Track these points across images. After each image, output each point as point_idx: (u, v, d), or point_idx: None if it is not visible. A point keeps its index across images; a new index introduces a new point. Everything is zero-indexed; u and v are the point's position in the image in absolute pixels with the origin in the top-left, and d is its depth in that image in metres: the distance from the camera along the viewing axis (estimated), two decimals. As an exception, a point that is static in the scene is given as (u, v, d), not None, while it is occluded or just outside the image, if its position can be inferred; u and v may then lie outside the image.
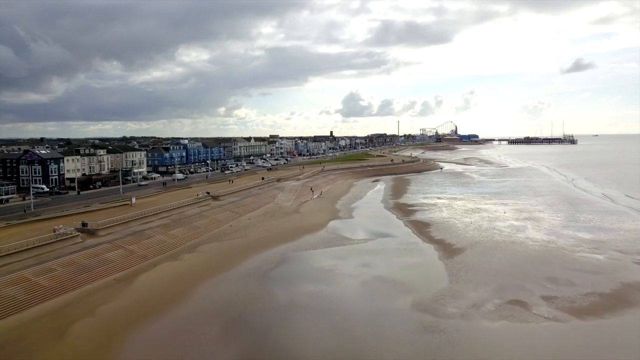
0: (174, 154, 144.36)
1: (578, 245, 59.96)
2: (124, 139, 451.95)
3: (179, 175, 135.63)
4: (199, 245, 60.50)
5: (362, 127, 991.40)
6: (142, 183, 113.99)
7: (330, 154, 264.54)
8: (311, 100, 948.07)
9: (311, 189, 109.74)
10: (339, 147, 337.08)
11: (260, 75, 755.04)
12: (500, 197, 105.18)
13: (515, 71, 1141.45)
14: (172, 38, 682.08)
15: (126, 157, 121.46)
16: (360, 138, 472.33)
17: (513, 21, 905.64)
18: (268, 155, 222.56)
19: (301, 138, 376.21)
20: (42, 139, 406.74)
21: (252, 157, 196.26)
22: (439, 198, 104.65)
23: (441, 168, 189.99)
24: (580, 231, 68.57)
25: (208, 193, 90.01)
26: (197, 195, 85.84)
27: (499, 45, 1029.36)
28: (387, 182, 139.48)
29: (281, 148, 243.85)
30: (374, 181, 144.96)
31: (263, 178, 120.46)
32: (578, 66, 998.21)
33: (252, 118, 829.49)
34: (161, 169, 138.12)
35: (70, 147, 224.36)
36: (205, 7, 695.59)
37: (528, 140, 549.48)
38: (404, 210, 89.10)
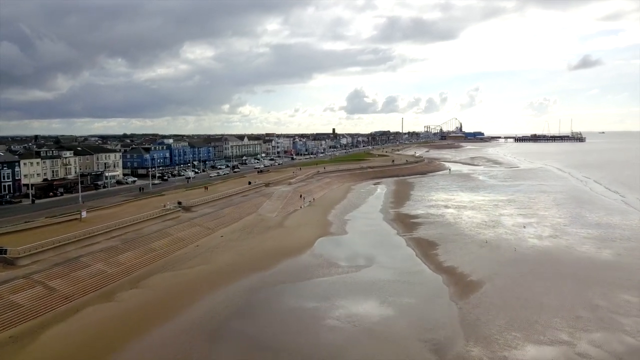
0: (155, 154, 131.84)
1: (625, 280, 47.41)
2: (125, 135, 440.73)
3: (190, 174, 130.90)
4: (148, 277, 48.30)
5: (366, 124, 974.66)
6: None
7: (330, 153, 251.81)
8: (315, 98, 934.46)
9: (301, 196, 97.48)
10: (340, 146, 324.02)
11: (264, 73, 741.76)
12: (516, 205, 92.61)
13: (521, 68, 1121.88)
14: (176, 35, 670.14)
15: (97, 159, 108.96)
16: (362, 135, 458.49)
17: (520, 17, 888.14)
18: (263, 154, 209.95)
19: (302, 136, 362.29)
20: (36, 136, 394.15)
21: (244, 158, 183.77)
22: (446, 207, 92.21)
23: (447, 169, 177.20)
24: (621, 254, 56.12)
25: (179, 203, 77.92)
26: (165, 206, 73.60)
27: (505, 42, 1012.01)
28: (389, 186, 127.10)
29: (277, 147, 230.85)
30: (374, 184, 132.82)
31: (250, 182, 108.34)
32: (585, 63, 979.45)
33: (256, 115, 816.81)
34: (141, 171, 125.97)
35: (59, 145, 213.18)
36: (210, 4, 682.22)
37: (535, 138, 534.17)
38: (406, 224, 76.77)
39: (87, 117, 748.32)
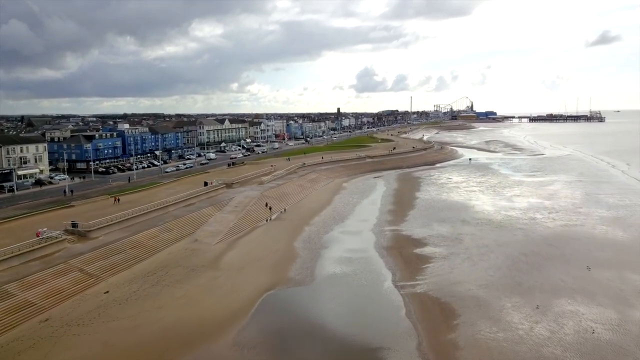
0: (100, 144, 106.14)
1: None
2: (125, 115, 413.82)
3: (212, 155, 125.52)
4: None
5: (375, 103, 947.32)
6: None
7: (328, 137, 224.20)
8: (325, 76, 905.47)
9: (267, 204, 72.25)
10: (342, 128, 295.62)
11: (274, 50, 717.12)
12: (561, 220, 66.82)
13: (535, 45, 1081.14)
14: (186, 12, 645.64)
15: (8, 152, 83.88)
16: (368, 115, 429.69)
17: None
18: (248, 140, 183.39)
19: (303, 116, 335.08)
20: (22, 117, 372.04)
21: (223, 145, 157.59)
22: (463, 221, 66.75)
23: (465, 159, 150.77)
24: None
25: (74, 225, 53.02)
26: (39, 234, 48.32)
27: (519, 18, 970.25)
28: (389, 184, 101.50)
29: (267, 131, 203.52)
30: (373, 179, 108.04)
31: (206, 183, 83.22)
32: (604, 39, 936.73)
33: (264, 94, 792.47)
34: (81, 165, 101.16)
35: (32, 128, 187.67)
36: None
37: (551, 118, 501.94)
38: (407, 258, 51.41)
39: (96, 96, 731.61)
